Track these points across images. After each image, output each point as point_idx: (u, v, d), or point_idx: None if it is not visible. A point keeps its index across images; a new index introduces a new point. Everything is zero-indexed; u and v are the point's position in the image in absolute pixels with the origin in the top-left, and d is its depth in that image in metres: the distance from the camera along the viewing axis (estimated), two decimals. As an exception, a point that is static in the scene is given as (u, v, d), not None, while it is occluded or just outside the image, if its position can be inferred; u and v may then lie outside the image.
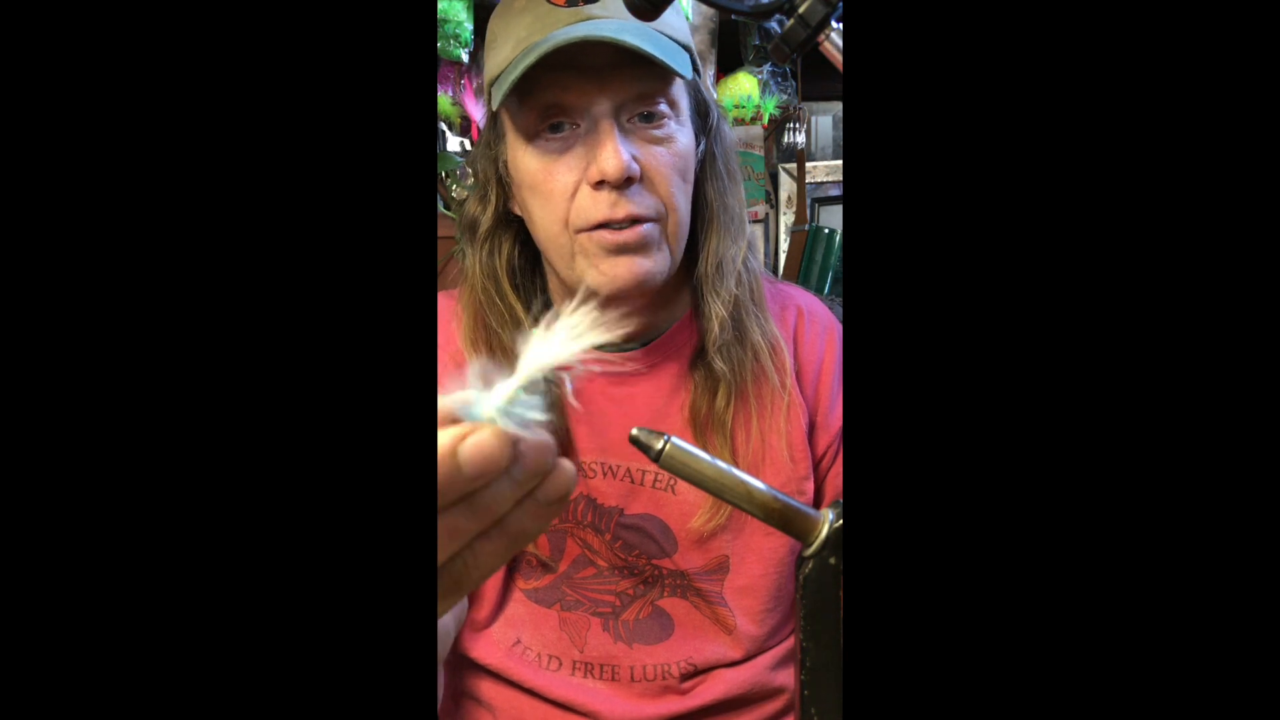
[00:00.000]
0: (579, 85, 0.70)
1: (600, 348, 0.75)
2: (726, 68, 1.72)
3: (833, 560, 0.47)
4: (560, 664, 0.81)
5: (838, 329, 0.88)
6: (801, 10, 0.43)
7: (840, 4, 0.43)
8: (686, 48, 0.75)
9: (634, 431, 0.48)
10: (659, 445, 0.48)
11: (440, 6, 1.27)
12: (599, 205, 0.71)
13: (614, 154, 0.69)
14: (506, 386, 0.35)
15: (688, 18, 1.66)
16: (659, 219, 0.73)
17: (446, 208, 1.27)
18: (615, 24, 0.69)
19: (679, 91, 0.75)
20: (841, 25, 0.44)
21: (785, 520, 0.48)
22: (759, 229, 1.75)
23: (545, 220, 0.74)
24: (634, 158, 0.70)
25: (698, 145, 0.78)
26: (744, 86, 1.68)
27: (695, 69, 0.77)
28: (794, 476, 0.81)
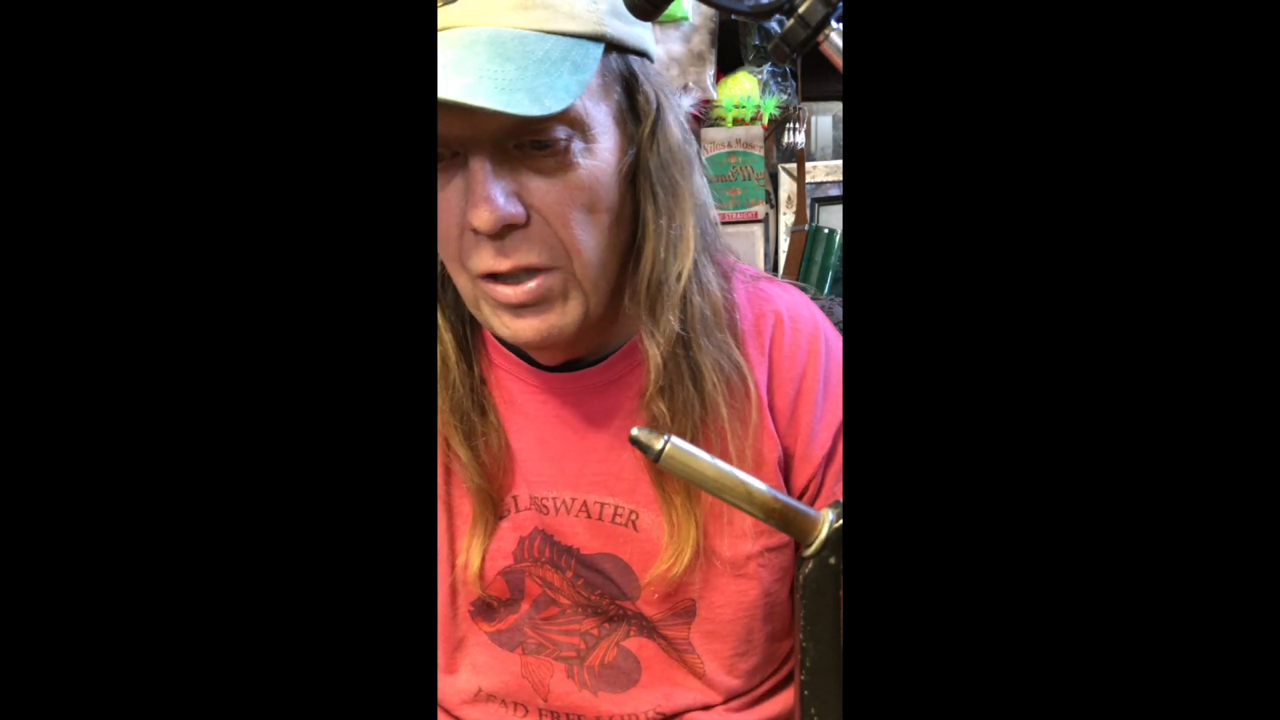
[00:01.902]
0: (449, 115, 0.55)
1: (547, 368, 0.70)
2: (726, 68, 1.72)
3: (833, 560, 0.47)
4: (526, 712, 0.76)
5: (825, 335, 0.74)
6: (801, 10, 0.43)
7: (840, 4, 0.43)
8: (597, 37, 0.60)
9: (634, 431, 0.48)
10: (659, 445, 0.48)
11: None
12: (481, 255, 0.60)
13: (484, 203, 0.57)
14: None
15: (686, 17, 1.67)
16: (556, 264, 0.60)
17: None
18: (483, 44, 0.56)
19: (590, 101, 0.60)
20: (841, 25, 0.44)
21: (785, 520, 0.48)
22: (758, 229, 1.75)
23: (445, 259, 0.63)
24: (516, 195, 0.58)
25: (625, 155, 0.63)
26: (744, 86, 1.68)
27: (630, 52, 0.63)
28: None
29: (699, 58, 1.66)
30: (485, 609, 0.75)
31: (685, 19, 1.63)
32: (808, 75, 1.70)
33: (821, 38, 0.44)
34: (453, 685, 0.77)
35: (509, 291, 0.61)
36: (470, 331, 0.72)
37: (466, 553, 0.72)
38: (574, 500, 0.72)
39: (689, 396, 0.67)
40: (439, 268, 0.67)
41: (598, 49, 0.59)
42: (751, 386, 0.69)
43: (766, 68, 1.69)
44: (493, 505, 0.72)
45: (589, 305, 0.63)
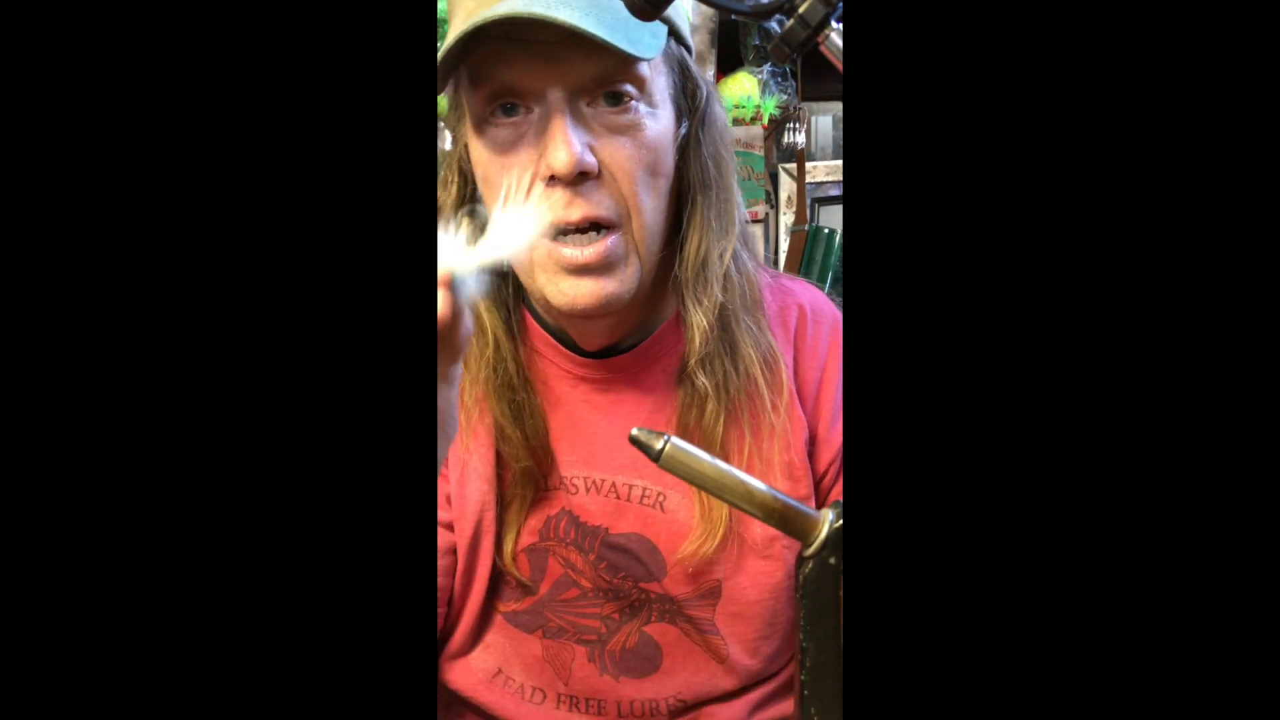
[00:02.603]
0: (526, 63, 0.61)
1: (581, 353, 0.72)
2: (726, 68, 1.71)
3: (833, 560, 0.47)
4: (544, 696, 0.76)
5: (843, 328, 0.76)
6: (801, 10, 0.43)
7: (840, 4, 0.43)
8: (664, 19, 0.65)
9: (634, 431, 0.48)
10: (659, 445, 0.48)
11: (440, 6, 1.27)
12: (552, 205, 0.62)
13: (564, 146, 0.60)
14: (474, 256, 0.47)
15: (687, 17, 1.66)
16: (620, 223, 0.64)
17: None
18: None
19: (651, 70, 0.65)
20: (841, 25, 0.44)
21: (785, 520, 0.48)
22: (758, 229, 1.75)
23: None
24: (590, 148, 0.62)
25: (679, 129, 0.69)
26: (744, 86, 1.67)
27: (682, 43, 0.69)
28: (794, 496, 0.72)
29: (699, 58, 1.65)
30: (505, 588, 0.76)
31: (686, 19, 1.63)
32: (808, 75, 1.70)
33: (821, 38, 0.44)
34: (468, 667, 0.77)
35: (575, 252, 0.63)
36: (515, 317, 0.74)
37: (500, 530, 0.73)
38: (603, 481, 0.73)
39: (728, 370, 0.70)
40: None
41: (663, 28, 0.65)
42: (782, 366, 0.73)
43: (766, 68, 1.69)
44: (534, 485, 0.73)
45: (642, 272, 0.67)
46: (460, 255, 0.47)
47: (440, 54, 0.63)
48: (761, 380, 0.72)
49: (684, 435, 0.70)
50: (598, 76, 0.62)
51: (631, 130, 0.64)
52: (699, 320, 0.69)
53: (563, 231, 0.63)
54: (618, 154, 0.63)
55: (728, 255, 0.70)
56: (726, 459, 0.70)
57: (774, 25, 0.45)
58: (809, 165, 1.72)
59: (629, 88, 0.63)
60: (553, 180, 0.62)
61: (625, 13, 0.59)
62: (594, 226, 0.64)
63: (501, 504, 0.73)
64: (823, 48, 0.44)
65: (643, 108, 0.64)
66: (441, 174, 0.73)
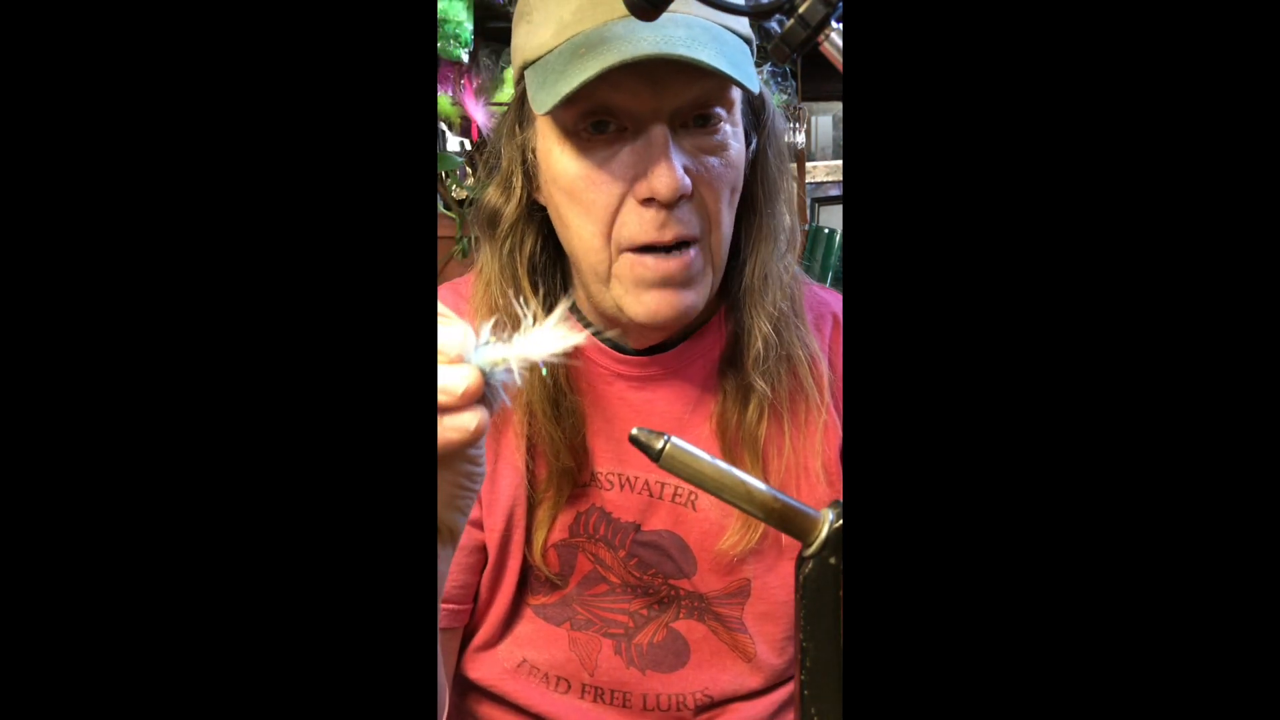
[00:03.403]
0: (632, 87, 0.61)
1: (622, 350, 0.73)
2: (726, 68, 1.71)
3: (833, 560, 0.47)
4: (569, 686, 0.77)
5: None
6: (801, 10, 0.43)
7: (840, 4, 0.43)
8: (748, 39, 0.67)
9: (634, 431, 0.48)
10: (659, 445, 0.48)
11: (440, 6, 1.27)
12: (645, 225, 0.63)
13: (669, 171, 0.61)
14: (498, 352, 0.44)
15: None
16: (702, 239, 0.65)
17: (447, 208, 1.27)
18: (684, 25, 0.60)
19: (735, 90, 0.66)
20: (841, 25, 0.44)
21: (785, 520, 0.48)
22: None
23: (583, 233, 0.66)
24: (686, 170, 0.63)
25: (749, 145, 0.70)
26: (744, 86, 1.67)
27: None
28: (831, 498, 0.72)
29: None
30: (534, 582, 0.76)
31: None
32: (808, 75, 1.70)
33: (821, 38, 0.44)
34: (494, 658, 0.77)
35: (662, 266, 0.64)
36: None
37: (530, 527, 0.73)
38: (636, 479, 0.74)
39: (779, 372, 0.72)
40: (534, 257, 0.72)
41: (748, 51, 0.66)
42: (824, 368, 0.75)
43: (766, 68, 1.69)
44: (570, 482, 0.73)
45: (715, 282, 0.68)
46: (488, 351, 0.45)
47: (528, 57, 0.65)
48: (808, 380, 0.73)
49: (724, 432, 0.74)
50: (696, 100, 0.63)
51: (720, 150, 0.65)
52: (762, 328, 0.70)
53: (649, 248, 0.64)
54: (708, 174, 0.64)
55: (791, 267, 0.73)
56: (765, 456, 0.73)
57: (774, 25, 0.45)
58: (809, 165, 1.72)
59: (720, 110, 0.65)
60: (649, 201, 0.63)
61: (734, 40, 0.63)
62: (680, 243, 0.64)
63: (533, 501, 0.74)
64: (823, 48, 0.44)
65: (728, 128, 0.66)
66: (499, 178, 0.73)
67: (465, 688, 0.80)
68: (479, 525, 0.74)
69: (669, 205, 0.63)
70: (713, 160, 0.65)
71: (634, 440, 0.48)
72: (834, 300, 0.81)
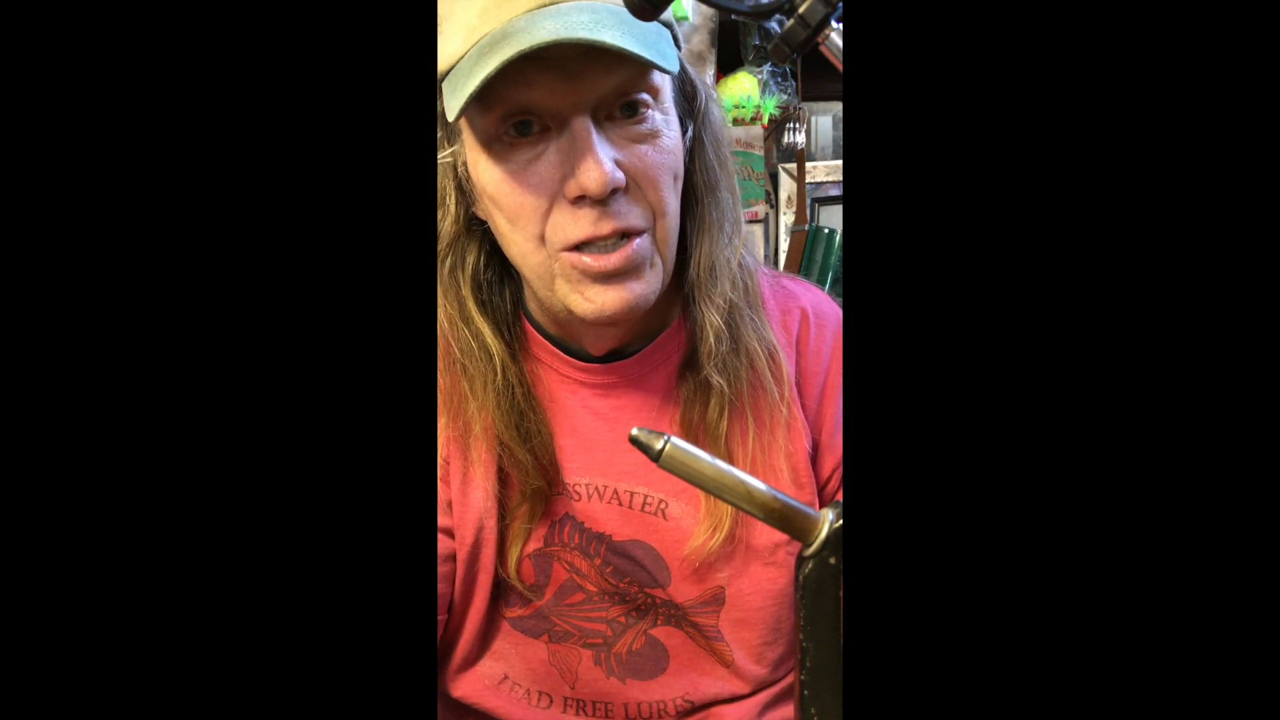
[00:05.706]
0: (547, 82, 0.59)
1: (583, 359, 0.72)
2: (726, 68, 1.72)
3: (833, 560, 0.47)
4: (551, 701, 0.76)
5: None
6: (801, 10, 0.43)
7: (840, 4, 0.43)
8: (666, 23, 0.65)
9: (634, 432, 0.48)
10: (659, 445, 0.48)
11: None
12: (580, 223, 0.61)
13: (596, 166, 0.59)
14: None
15: (686, 17, 1.66)
16: (647, 228, 0.63)
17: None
18: (588, 11, 0.58)
19: (661, 76, 0.64)
20: (841, 25, 0.44)
21: (785, 520, 0.48)
22: (758, 229, 1.75)
23: (516, 239, 0.64)
24: (617, 163, 0.61)
25: (685, 132, 0.68)
26: (744, 86, 1.67)
27: (676, 44, 0.66)
28: (797, 498, 0.70)
29: (699, 58, 1.66)
30: (510, 594, 0.75)
31: (685, 19, 1.63)
32: (808, 75, 1.70)
33: (821, 38, 0.44)
34: (475, 675, 0.77)
35: (601, 260, 0.62)
36: (513, 332, 0.73)
37: (502, 541, 0.72)
38: (605, 488, 0.73)
39: (736, 366, 0.70)
40: (477, 274, 0.70)
41: (667, 32, 0.64)
42: (783, 360, 0.73)
43: (766, 68, 1.69)
44: (543, 502, 0.72)
45: (665, 273, 0.66)
46: None
47: (443, 70, 0.62)
48: (767, 373, 0.71)
49: (688, 433, 0.71)
50: (618, 89, 0.61)
51: (651, 138, 0.63)
52: (712, 320, 0.69)
53: (586, 244, 0.62)
54: (642, 163, 0.62)
55: (735, 256, 0.71)
56: (730, 455, 0.71)
57: (774, 25, 0.45)
58: (809, 165, 1.72)
59: (645, 96, 0.62)
60: (581, 199, 0.61)
61: (646, 25, 0.59)
62: (623, 236, 0.62)
63: (504, 514, 0.73)
64: (823, 48, 0.44)
65: (657, 115, 0.64)
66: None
67: (450, 706, 0.79)
68: (450, 534, 0.73)
69: (602, 200, 0.60)
70: (644, 149, 0.62)
71: (634, 441, 0.48)
72: (805, 293, 0.79)
